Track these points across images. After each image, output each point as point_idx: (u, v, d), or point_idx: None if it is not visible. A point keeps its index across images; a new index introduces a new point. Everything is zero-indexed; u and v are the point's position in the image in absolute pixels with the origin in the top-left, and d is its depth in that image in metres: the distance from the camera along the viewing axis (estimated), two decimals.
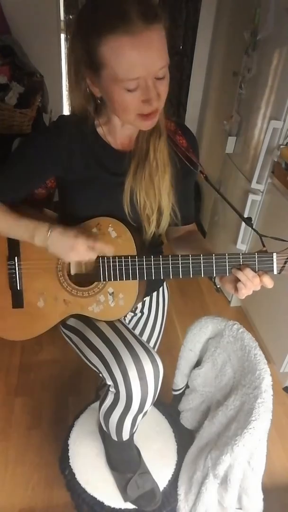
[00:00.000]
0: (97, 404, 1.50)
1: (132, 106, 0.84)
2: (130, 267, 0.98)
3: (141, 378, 0.98)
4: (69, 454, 1.38)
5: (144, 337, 1.31)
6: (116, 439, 1.19)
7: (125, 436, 1.17)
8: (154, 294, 1.27)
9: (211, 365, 1.25)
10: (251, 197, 2.06)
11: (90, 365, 1.08)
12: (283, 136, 1.85)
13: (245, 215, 2.11)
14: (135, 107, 0.84)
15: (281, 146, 1.85)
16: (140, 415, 1.09)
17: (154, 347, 1.35)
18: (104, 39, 0.77)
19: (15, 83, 2.37)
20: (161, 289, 1.29)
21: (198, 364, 1.31)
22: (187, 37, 2.79)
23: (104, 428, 1.20)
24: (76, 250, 0.94)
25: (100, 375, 1.05)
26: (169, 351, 1.55)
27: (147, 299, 1.26)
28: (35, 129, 2.38)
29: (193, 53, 2.86)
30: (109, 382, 1.02)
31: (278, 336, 1.97)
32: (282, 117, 1.81)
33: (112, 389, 1.04)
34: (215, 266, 0.94)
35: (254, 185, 2.03)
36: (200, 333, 1.25)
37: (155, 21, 0.77)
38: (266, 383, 1.07)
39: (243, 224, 2.11)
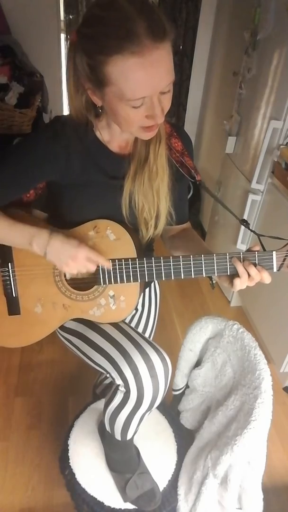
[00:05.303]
0: (96, 404, 1.51)
1: (136, 120, 0.84)
2: (130, 269, 0.97)
3: (152, 376, 0.99)
4: (69, 454, 1.38)
5: None
6: (119, 439, 1.19)
7: (130, 435, 1.17)
8: (147, 290, 1.28)
9: (211, 365, 1.25)
10: (251, 197, 2.06)
11: (95, 366, 1.07)
12: (283, 136, 1.85)
13: (245, 215, 2.11)
14: (139, 121, 0.84)
15: (281, 146, 1.85)
16: (148, 413, 1.09)
17: None
18: (111, 59, 0.75)
19: (15, 83, 2.38)
20: (152, 284, 1.30)
21: (198, 364, 1.31)
22: (187, 37, 2.79)
23: (108, 429, 1.19)
24: (77, 259, 0.93)
25: (108, 375, 1.04)
26: (169, 351, 1.55)
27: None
28: (34, 129, 2.38)
29: (193, 53, 2.86)
30: (118, 381, 1.02)
31: (278, 336, 1.97)
32: (282, 117, 1.81)
33: (122, 389, 1.03)
34: (216, 266, 0.94)
35: (254, 185, 2.03)
36: (200, 333, 1.25)
37: (164, 39, 0.74)
38: (266, 383, 1.07)
39: None
